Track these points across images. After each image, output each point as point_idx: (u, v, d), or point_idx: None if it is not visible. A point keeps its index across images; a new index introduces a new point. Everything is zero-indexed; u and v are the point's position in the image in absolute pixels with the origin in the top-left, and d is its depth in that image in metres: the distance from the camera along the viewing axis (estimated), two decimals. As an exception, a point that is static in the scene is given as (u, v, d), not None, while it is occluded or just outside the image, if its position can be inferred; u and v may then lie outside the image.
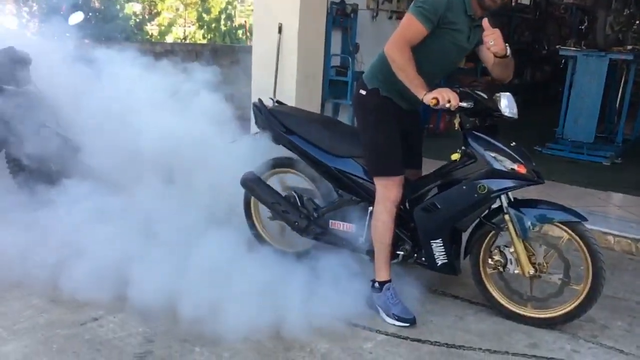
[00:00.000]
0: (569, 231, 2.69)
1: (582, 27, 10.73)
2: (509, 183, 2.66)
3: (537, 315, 2.83)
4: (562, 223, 2.70)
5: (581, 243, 2.67)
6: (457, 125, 2.72)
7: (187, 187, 3.35)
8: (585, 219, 2.68)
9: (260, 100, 3.33)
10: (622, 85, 6.44)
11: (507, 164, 2.63)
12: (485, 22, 2.57)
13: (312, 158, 3.10)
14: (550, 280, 2.79)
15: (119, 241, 3.02)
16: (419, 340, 2.67)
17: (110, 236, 3.05)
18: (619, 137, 6.34)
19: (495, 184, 2.66)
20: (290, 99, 5.03)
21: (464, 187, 2.70)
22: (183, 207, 3.24)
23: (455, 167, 2.80)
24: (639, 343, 2.75)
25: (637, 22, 6.56)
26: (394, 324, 2.78)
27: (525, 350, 2.63)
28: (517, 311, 2.86)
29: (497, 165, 2.63)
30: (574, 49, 6.09)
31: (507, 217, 2.72)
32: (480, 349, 2.63)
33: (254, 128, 3.52)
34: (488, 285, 2.90)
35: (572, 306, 2.74)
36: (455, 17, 2.62)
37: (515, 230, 2.71)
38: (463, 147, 2.77)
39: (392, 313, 2.80)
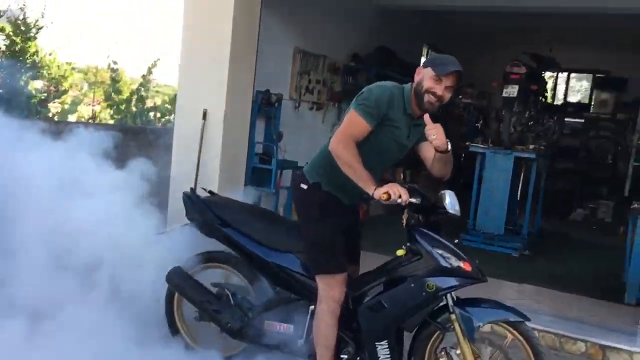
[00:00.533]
0: (513, 331, 2.66)
1: (478, 125, 11.55)
2: (455, 281, 2.61)
3: (483, 422, 2.72)
4: (506, 323, 2.67)
5: (525, 344, 2.64)
6: (404, 221, 2.67)
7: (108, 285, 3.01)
8: (528, 319, 2.67)
9: (192, 189, 3.14)
10: (522, 180, 6.83)
11: (453, 262, 2.60)
12: (426, 117, 2.61)
13: (249, 252, 2.92)
14: (499, 383, 2.71)
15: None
16: None
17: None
18: (525, 229, 6.66)
19: (443, 282, 2.60)
20: (212, 185, 4.84)
21: (412, 284, 2.63)
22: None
23: (400, 263, 2.73)
24: None
25: (532, 122, 7.09)
26: None
27: None
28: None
29: (444, 263, 2.59)
30: (482, 146, 6.46)
31: (453, 316, 2.65)
32: None
33: (176, 218, 3.30)
34: (435, 390, 2.78)
35: (519, 410, 2.67)
36: (395, 114, 2.65)
37: (461, 331, 2.64)
38: (408, 244, 2.72)
39: None
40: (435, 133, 2.57)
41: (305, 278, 2.83)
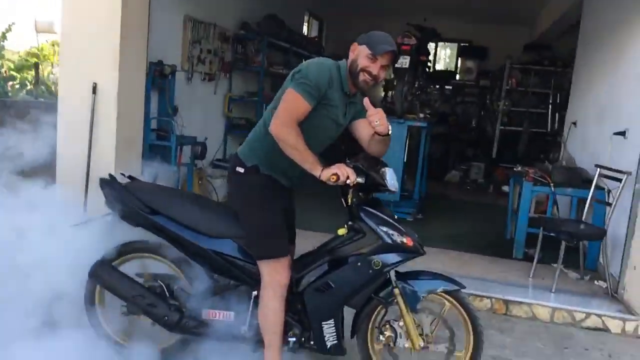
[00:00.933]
0: (451, 299, 2.79)
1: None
2: (399, 256, 2.67)
3: (424, 387, 2.84)
4: (444, 292, 2.78)
5: (462, 310, 2.79)
6: (348, 200, 2.65)
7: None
8: (463, 286, 2.81)
9: (111, 176, 2.87)
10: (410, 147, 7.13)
11: (397, 238, 2.65)
12: (366, 101, 2.60)
13: (183, 240, 2.75)
14: (437, 351, 2.83)
15: None
16: None
17: None
18: (415, 194, 6.99)
19: (388, 259, 2.65)
20: (108, 166, 4.49)
21: (359, 263, 2.64)
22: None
23: (342, 242, 2.72)
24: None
25: (419, 92, 7.40)
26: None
27: None
28: (405, 386, 2.84)
29: (388, 240, 2.63)
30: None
31: (396, 290, 2.71)
32: None
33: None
34: (377, 362, 2.84)
35: (458, 374, 2.82)
36: (332, 93, 2.61)
37: (404, 304, 2.72)
38: (350, 222, 2.71)
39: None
40: (378, 119, 2.55)
41: (245, 263, 2.73)
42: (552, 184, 5.08)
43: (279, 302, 2.61)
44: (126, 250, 2.86)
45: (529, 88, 10.04)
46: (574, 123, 6.56)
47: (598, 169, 4.70)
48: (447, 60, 14.49)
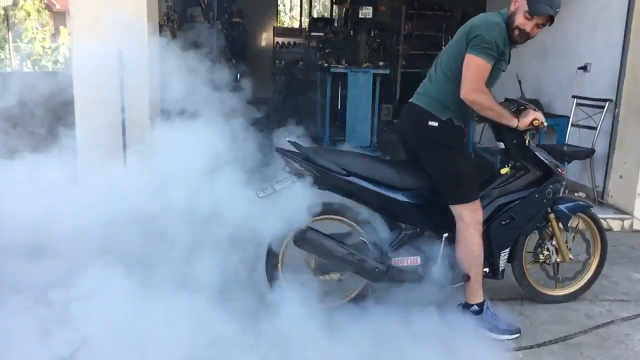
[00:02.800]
0: (584, 217, 3.32)
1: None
2: (560, 185, 3.10)
3: (564, 292, 3.37)
4: (582, 212, 3.30)
5: (592, 225, 3.33)
6: (527, 142, 2.98)
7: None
8: (592, 205, 3.35)
9: (295, 143, 2.87)
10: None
11: (559, 170, 3.08)
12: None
13: (377, 196, 2.90)
14: (579, 260, 3.36)
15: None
16: (537, 345, 2.88)
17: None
18: (375, 137, 7.42)
19: (556, 188, 3.07)
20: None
21: (536, 195, 3.02)
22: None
23: (508, 180, 3.07)
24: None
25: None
26: (507, 339, 2.90)
27: (587, 323, 3.14)
28: (551, 293, 3.35)
29: (556, 170, 3.05)
30: (343, 66, 6.85)
31: (551, 215, 3.16)
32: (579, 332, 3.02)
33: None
34: (529, 279, 3.29)
35: (589, 276, 3.39)
36: (504, 49, 2.83)
37: (557, 225, 3.18)
38: (513, 162, 3.06)
39: (501, 329, 2.91)
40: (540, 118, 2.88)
41: (434, 211, 2.96)
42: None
43: (480, 238, 2.90)
44: (318, 213, 2.90)
45: (423, 32, 10.89)
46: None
47: (575, 99, 5.52)
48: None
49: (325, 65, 6.95)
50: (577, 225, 3.35)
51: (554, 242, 3.25)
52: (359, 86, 6.77)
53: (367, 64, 7.08)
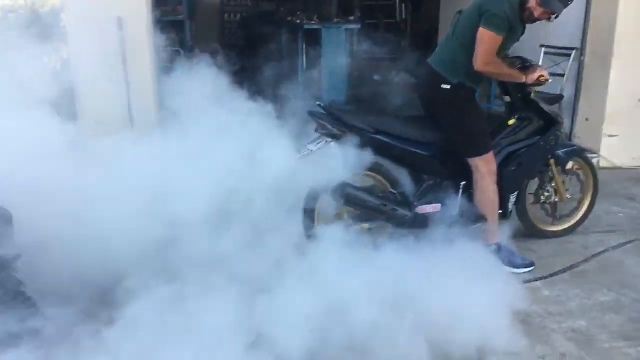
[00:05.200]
0: (580, 160, 3.67)
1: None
2: (559, 132, 3.43)
3: (562, 228, 3.76)
4: (577, 156, 3.65)
5: (586, 166, 3.70)
6: (533, 95, 3.27)
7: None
8: (586, 149, 3.72)
9: (322, 105, 3.06)
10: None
11: (560, 119, 3.40)
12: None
13: (402, 151, 3.16)
14: (574, 199, 3.73)
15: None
16: (550, 275, 3.25)
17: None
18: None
19: (557, 135, 3.40)
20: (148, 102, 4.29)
21: (542, 142, 3.34)
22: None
23: (514, 130, 3.37)
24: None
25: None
26: (524, 272, 3.24)
27: (586, 252, 3.55)
28: (550, 229, 3.73)
29: (560, 119, 3.37)
30: (315, 22, 6.94)
31: (552, 160, 3.50)
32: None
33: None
34: (531, 218, 3.65)
35: (583, 212, 3.78)
36: (515, 25, 3.06)
37: (556, 169, 3.53)
38: (518, 114, 3.35)
39: (518, 264, 3.26)
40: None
41: (451, 162, 3.23)
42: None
43: (495, 185, 3.20)
44: (352, 170, 3.10)
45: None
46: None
47: (543, 48, 5.87)
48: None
49: (298, 22, 7.01)
50: (573, 168, 3.71)
51: (553, 184, 3.60)
52: (332, 42, 6.89)
53: (337, 19, 7.19)
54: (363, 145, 3.10)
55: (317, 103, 3.09)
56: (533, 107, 3.33)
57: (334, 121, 3.04)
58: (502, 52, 3.10)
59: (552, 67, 5.73)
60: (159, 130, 3.44)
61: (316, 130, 3.08)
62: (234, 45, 10.84)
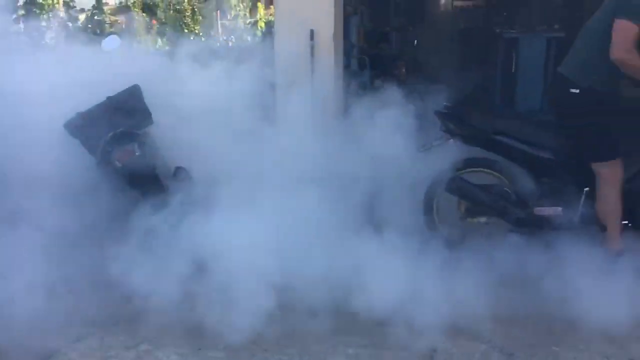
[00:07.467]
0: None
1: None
2: None
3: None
4: None
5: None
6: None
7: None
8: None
9: (449, 106, 3.45)
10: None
11: None
12: None
13: (522, 153, 3.35)
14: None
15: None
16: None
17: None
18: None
19: None
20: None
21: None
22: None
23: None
24: None
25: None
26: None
27: None
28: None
29: None
30: (513, 31, 7.07)
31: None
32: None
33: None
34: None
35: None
36: None
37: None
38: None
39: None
40: None
41: (573, 167, 3.33)
42: None
43: (617, 193, 3.22)
44: (467, 165, 3.47)
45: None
46: None
47: None
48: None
49: (498, 31, 7.18)
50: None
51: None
52: (530, 52, 6.90)
53: (542, 27, 7.15)
54: (481, 144, 3.42)
55: (444, 104, 3.49)
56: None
57: (456, 121, 3.40)
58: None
59: None
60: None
61: (440, 129, 3.48)
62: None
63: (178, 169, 3.59)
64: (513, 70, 6.99)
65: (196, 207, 3.18)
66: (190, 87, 3.85)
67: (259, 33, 14.24)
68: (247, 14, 15.54)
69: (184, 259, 2.97)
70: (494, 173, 3.51)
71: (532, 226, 3.42)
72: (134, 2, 13.34)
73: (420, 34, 9.01)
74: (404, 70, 7.62)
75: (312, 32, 5.06)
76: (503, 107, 7.26)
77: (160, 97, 3.68)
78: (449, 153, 3.43)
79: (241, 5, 15.38)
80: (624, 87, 3.20)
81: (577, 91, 3.19)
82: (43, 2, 8.75)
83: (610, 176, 3.21)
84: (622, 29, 2.99)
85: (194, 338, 2.74)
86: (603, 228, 3.29)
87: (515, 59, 6.99)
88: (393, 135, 3.45)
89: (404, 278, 2.92)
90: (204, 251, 2.96)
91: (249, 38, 14.73)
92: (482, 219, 3.53)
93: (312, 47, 5.08)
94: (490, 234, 3.55)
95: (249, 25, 15.26)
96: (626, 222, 3.34)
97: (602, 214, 3.28)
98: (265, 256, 2.92)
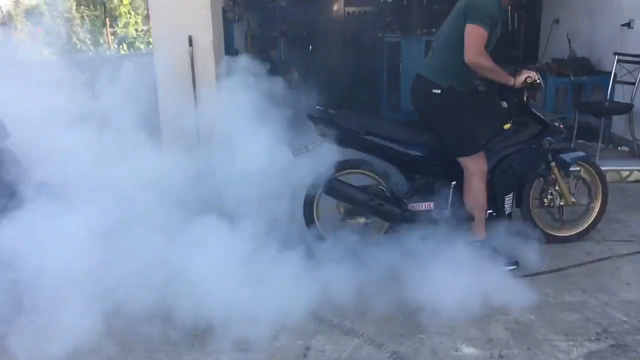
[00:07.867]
0: (587, 166, 3.72)
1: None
2: (555, 137, 3.53)
3: (570, 233, 3.81)
4: (582, 161, 3.70)
5: (593, 171, 3.73)
6: (525, 99, 3.44)
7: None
8: (592, 156, 3.75)
9: (321, 109, 3.50)
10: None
11: (557, 123, 3.51)
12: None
13: (393, 152, 3.47)
14: (581, 204, 3.78)
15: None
16: (532, 275, 3.37)
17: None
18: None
19: (552, 139, 3.50)
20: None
21: (534, 145, 3.49)
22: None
23: (510, 135, 3.54)
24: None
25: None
26: (508, 269, 3.40)
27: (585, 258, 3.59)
28: (558, 234, 3.80)
29: (555, 124, 3.49)
30: (395, 35, 7.33)
31: (552, 163, 3.61)
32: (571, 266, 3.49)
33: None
34: (537, 221, 3.75)
35: (592, 218, 3.80)
36: (498, 16, 3.29)
37: (559, 173, 3.62)
38: (514, 118, 3.51)
39: (500, 261, 3.41)
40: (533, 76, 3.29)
41: (442, 162, 3.49)
42: (571, 75, 6.09)
43: (483, 184, 3.41)
44: (343, 167, 3.53)
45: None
46: (556, 20, 7.54)
47: (616, 56, 5.70)
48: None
49: (380, 35, 7.43)
50: (579, 173, 3.76)
51: (556, 188, 3.69)
52: (412, 54, 7.20)
53: (420, 31, 7.48)
54: (354, 145, 3.51)
55: (317, 107, 3.54)
56: (528, 113, 3.49)
57: (329, 123, 3.46)
58: (488, 46, 3.27)
59: (625, 75, 5.60)
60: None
61: (314, 132, 3.53)
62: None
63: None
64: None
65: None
66: (68, 97, 3.67)
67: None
68: (139, 22, 15.09)
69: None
70: (369, 173, 3.61)
71: (408, 222, 3.54)
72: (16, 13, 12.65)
73: (311, 39, 9.16)
74: (296, 74, 7.67)
75: (190, 38, 5.01)
76: (388, 106, 7.57)
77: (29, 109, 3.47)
78: (326, 156, 3.47)
79: (131, 13, 14.92)
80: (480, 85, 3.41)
81: (439, 92, 3.36)
82: None
83: (475, 168, 3.40)
84: (473, 34, 3.19)
85: None
86: (471, 218, 3.47)
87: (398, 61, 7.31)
88: (269, 140, 3.44)
89: (278, 280, 2.95)
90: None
91: (141, 46, 14.33)
92: (361, 219, 3.62)
93: (192, 53, 5.03)
94: (370, 233, 3.65)
95: (142, 33, 14.83)
96: (490, 211, 3.55)
97: (469, 205, 3.46)
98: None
